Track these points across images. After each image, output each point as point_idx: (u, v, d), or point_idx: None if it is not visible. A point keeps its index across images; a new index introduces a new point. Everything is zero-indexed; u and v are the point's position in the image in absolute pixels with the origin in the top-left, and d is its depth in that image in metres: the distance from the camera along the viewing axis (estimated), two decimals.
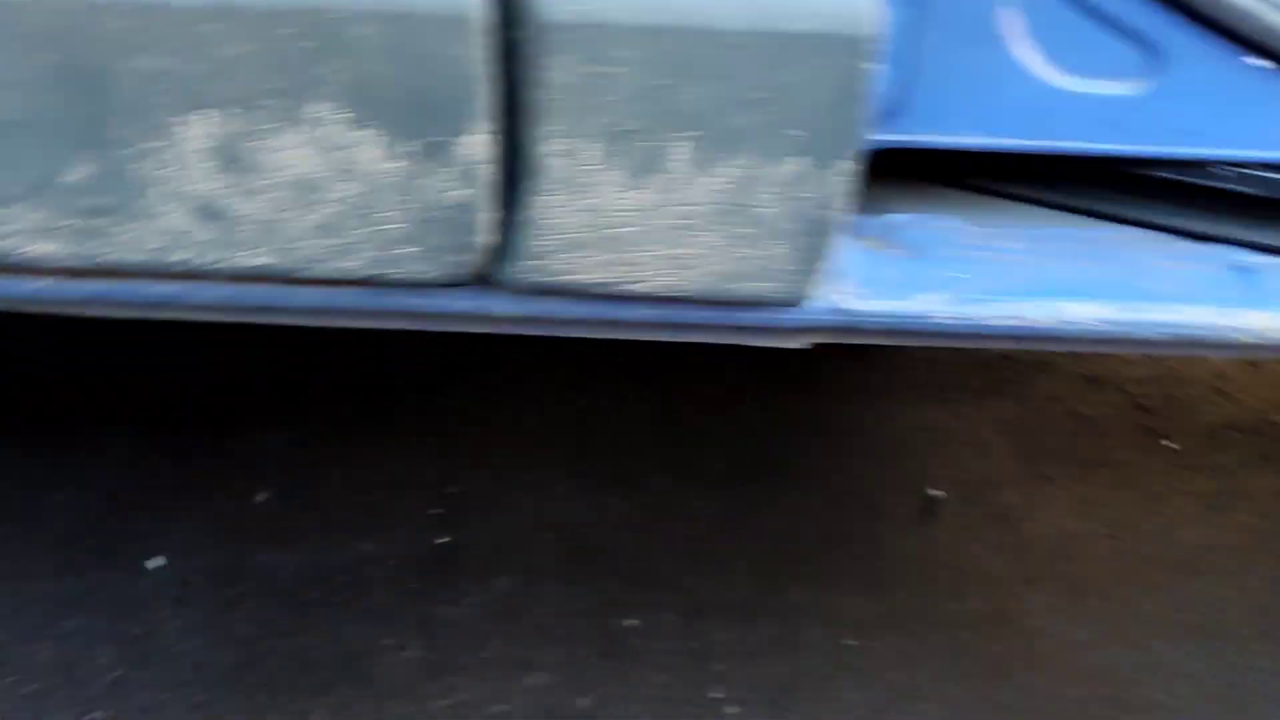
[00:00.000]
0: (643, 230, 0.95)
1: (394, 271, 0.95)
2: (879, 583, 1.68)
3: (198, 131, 0.87)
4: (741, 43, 0.86)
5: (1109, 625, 1.63)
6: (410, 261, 0.95)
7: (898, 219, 1.18)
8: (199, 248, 0.93)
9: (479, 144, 0.88)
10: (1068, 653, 1.58)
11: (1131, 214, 1.22)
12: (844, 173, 0.93)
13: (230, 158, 0.88)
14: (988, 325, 1.11)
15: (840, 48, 0.87)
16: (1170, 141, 1.14)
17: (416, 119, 0.87)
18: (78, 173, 0.88)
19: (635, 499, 1.81)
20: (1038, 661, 1.56)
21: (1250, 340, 1.14)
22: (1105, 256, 1.17)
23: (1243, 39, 1.07)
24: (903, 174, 1.23)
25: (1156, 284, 1.15)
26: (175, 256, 0.93)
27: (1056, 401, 2.18)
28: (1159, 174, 1.18)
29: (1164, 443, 2.07)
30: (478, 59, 0.85)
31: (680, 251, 0.96)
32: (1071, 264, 1.15)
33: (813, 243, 0.97)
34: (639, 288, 0.99)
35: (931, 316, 1.09)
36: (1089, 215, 1.23)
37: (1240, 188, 1.17)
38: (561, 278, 0.97)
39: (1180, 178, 1.18)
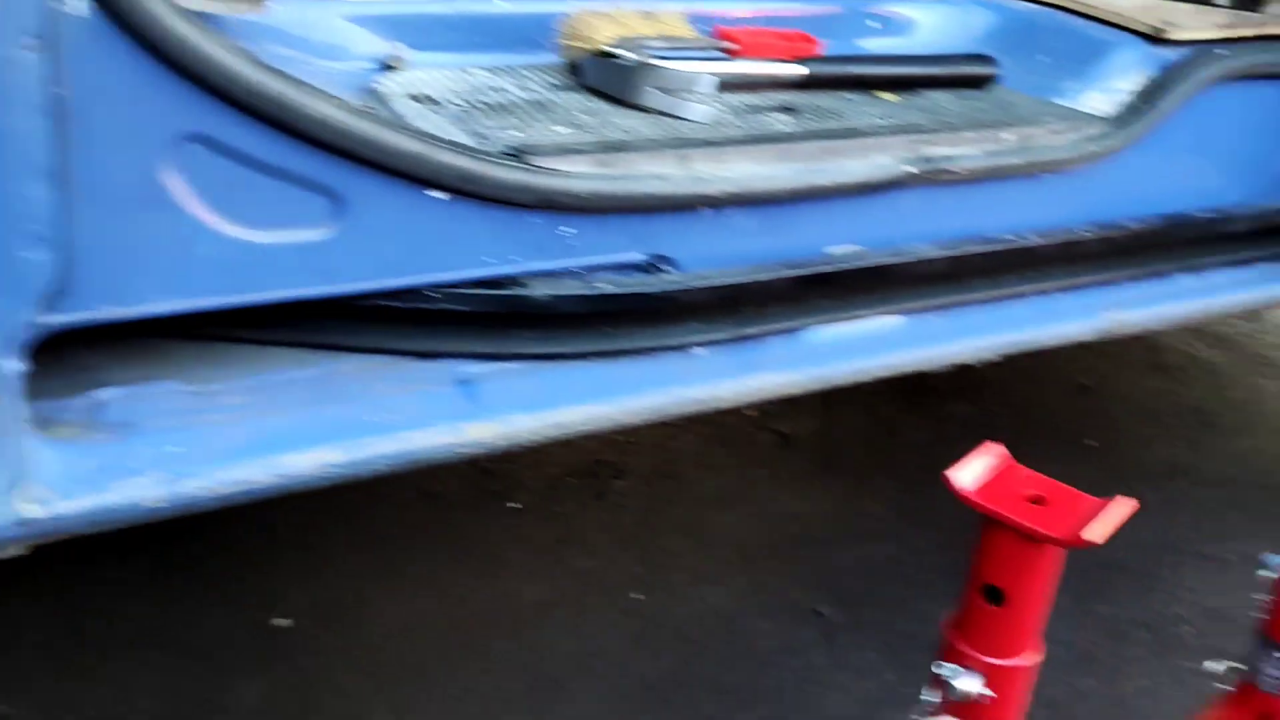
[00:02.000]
0: None
1: None
2: None
3: None
4: None
5: (449, 709, 1.68)
6: None
7: (104, 395, 1.09)
8: None
9: None
10: None
11: (358, 342, 1.24)
12: None
13: None
14: (208, 496, 1.05)
15: None
16: (372, 277, 1.17)
17: None
18: None
19: None
20: None
21: (479, 451, 1.21)
22: (332, 394, 1.17)
23: (418, 178, 1.13)
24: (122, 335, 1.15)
25: (384, 414, 1.17)
26: None
27: (408, 485, 2.22)
28: (376, 302, 1.21)
29: (508, 504, 2.19)
30: None
31: None
32: (295, 411, 1.14)
33: None
34: None
35: (142, 502, 1.02)
36: (318, 348, 1.23)
37: (452, 306, 1.24)
38: None
39: (397, 304, 1.22)
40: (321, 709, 1.66)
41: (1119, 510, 1.06)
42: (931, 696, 1.18)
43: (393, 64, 1.48)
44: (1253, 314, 1.95)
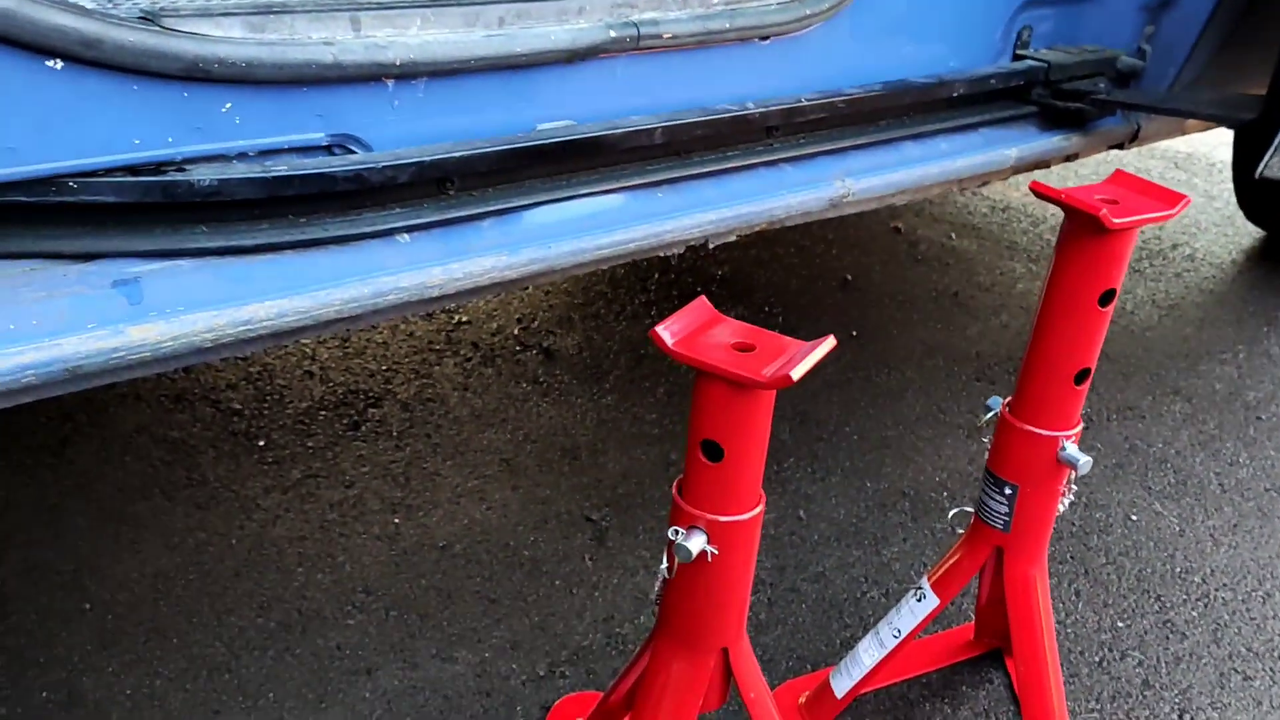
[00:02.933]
0: None
1: None
2: None
3: None
4: None
5: (191, 659, 1.56)
6: None
7: None
8: None
9: None
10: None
11: (6, 248, 1.09)
12: None
13: None
14: None
15: None
16: None
17: None
18: None
19: None
20: None
21: (138, 352, 1.08)
22: None
23: (26, 44, 0.99)
24: None
25: (28, 323, 1.03)
26: None
27: (144, 433, 2.04)
28: (7, 198, 1.06)
29: (259, 444, 2.05)
30: None
31: None
32: None
33: None
34: None
35: None
36: None
37: (99, 197, 1.10)
38: None
39: (34, 199, 1.08)
40: (34, 674, 1.50)
41: (819, 349, 1.04)
42: (664, 563, 1.15)
43: None
44: (984, 182, 2.00)
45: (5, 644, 1.55)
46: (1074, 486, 1.43)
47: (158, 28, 1.06)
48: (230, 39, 1.10)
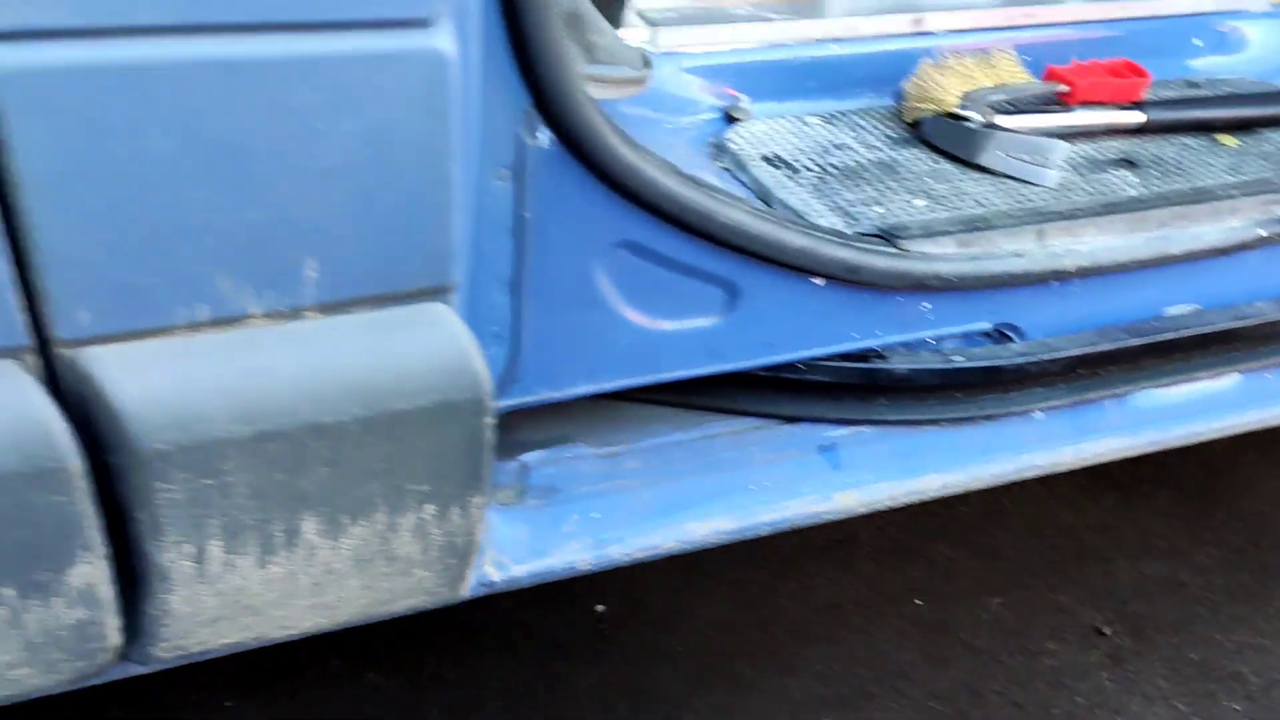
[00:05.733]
0: (282, 594, 0.94)
1: (9, 691, 0.88)
2: None
3: None
4: (356, 429, 0.86)
5: (767, 714, 1.81)
6: (30, 679, 0.88)
7: (530, 459, 1.24)
8: None
9: (93, 570, 0.84)
10: None
11: (731, 405, 1.35)
12: (479, 503, 0.97)
13: None
14: (623, 558, 1.20)
15: (459, 413, 0.90)
16: (753, 355, 1.27)
17: (20, 563, 0.81)
18: None
19: None
20: None
21: (841, 515, 1.31)
22: (713, 461, 1.29)
23: (807, 270, 1.22)
24: None
25: (762, 483, 1.28)
26: None
27: None
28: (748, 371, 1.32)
29: None
30: (81, 498, 0.80)
31: (325, 599, 0.97)
32: (687, 479, 1.26)
33: (460, 563, 1.00)
34: (284, 634, 0.98)
35: (576, 566, 1.17)
36: (696, 408, 1.35)
37: (816, 377, 1.33)
38: (201, 647, 0.95)
39: (767, 373, 1.33)
40: (643, 704, 1.82)
41: None
42: None
43: (735, 115, 1.56)
44: None
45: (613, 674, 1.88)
46: None
47: (894, 249, 1.27)
48: (946, 256, 1.29)
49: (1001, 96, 1.54)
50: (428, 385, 0.87)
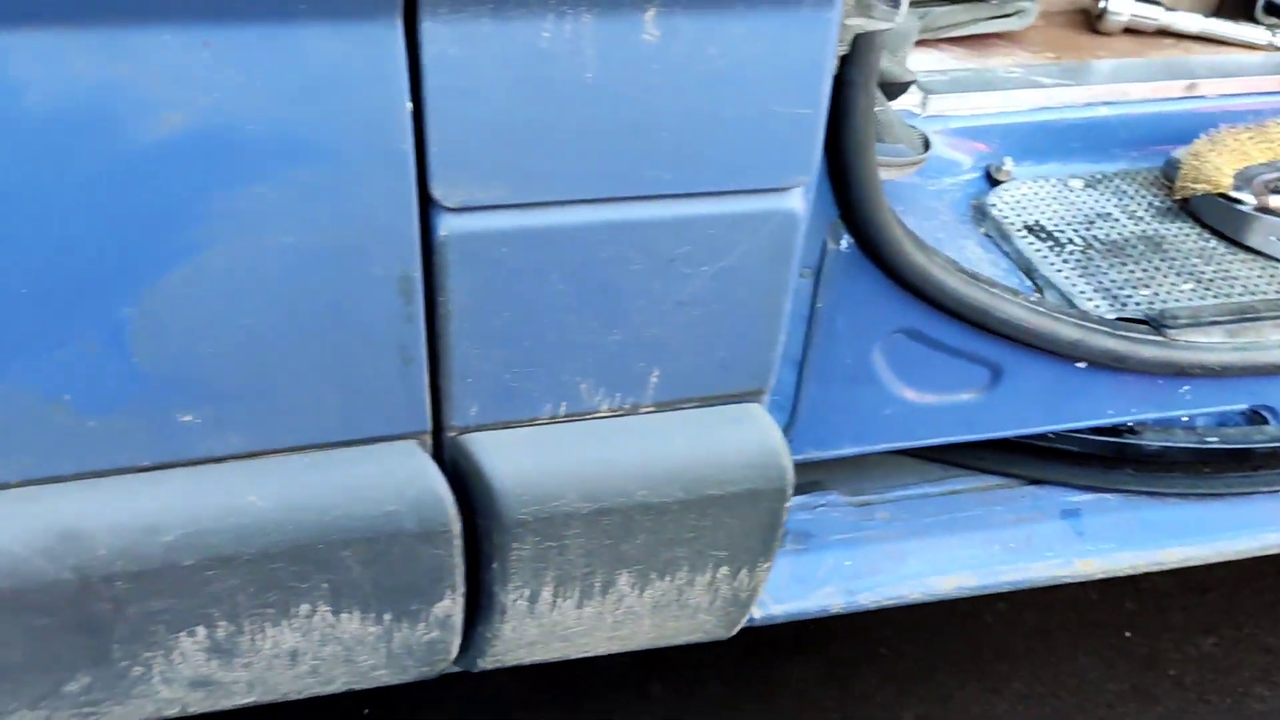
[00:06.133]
0: (590, 628, 1.09)
1: (365, 684, 1.08)
2: None
3: (194, 638, 0.96)
4: (677, 508, 1.00)
5: None
6: (383, 677, 1.07)
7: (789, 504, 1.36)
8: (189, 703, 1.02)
9: (452, 604, 1.01)
10: None
11: (977, 462, 1.43)
12: (766, 567, 1.09)
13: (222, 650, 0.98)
14: (870, 605, 1.31)
15: (764, 499, 1.02)
16: (1007, 427, 1.35)
17: (401, 597, 0.99)
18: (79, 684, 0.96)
19: None
20: None
21: (1080, 579, 1.38)
22: (959, 519, 1.38)
23: (1070, 355, 1.28)
24: None
25: (1004, 540, 1.36)
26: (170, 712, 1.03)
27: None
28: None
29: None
30: (453, 553, 0.96)
31: (621, 632, 1.12)
32: (933, 535, 1.35)
33: (739, 611, 1.13)
34: (580, 655, 1.14)
35: (829, 609, 1.28)
36: (947, 463, 1.44)
37: (1065, 446, 1.40)
38: (515, 660, 1.12)
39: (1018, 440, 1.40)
40: (850, 706, 1.94)
41: None
42: None
43: (997, 176, 1.60)
44: None
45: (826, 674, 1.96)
46: None
47: (1160, 338, 1.30)
48: (1212, 345, 1.32)
49: (1276, 175, 1.53)
50: (741, 476, 1.00)
